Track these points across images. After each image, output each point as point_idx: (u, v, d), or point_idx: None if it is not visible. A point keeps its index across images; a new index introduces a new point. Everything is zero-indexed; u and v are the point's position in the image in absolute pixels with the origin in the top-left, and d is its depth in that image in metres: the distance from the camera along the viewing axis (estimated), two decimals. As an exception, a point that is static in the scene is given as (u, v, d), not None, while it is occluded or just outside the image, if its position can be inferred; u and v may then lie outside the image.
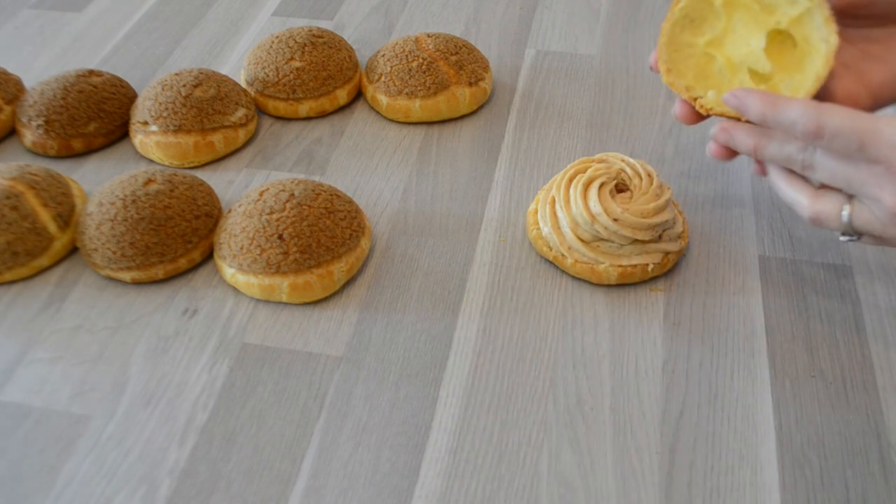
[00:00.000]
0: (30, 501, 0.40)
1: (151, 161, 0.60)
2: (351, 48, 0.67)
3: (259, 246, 0.48)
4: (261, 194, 0.50)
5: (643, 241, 0.49)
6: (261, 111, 0.65)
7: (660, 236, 0.49)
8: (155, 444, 0.42)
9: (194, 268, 0.52)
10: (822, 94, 0.42)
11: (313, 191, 0.50)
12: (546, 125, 0.63)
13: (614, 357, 0.46)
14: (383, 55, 0.64)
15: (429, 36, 0.64)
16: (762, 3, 0.44)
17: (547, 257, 0.51)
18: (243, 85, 0.65)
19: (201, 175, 0.59)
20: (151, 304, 0.50)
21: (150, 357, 0.47)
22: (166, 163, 0.59)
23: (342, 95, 0.64)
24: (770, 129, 0.41)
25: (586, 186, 0.49)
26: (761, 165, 0.44)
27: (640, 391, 0.45)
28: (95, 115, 0.60)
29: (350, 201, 0.52)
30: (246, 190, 0.58)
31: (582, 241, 0.49)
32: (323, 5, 0.79)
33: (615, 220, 0.48)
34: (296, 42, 0.64)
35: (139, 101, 0.60)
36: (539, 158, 0.60)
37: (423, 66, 0.62)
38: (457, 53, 0.63)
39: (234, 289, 0.50)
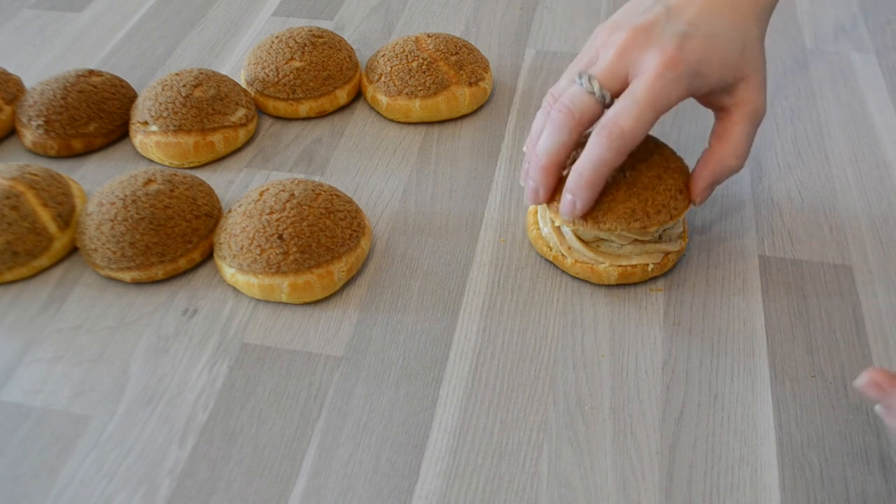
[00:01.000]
0: (30, 501, 0.40)
1: (151, 161, 0.60)
2: (351, 48, 0.67)
3: (259, 246, 0.48)
4: (261, 194, 0.50)
5: (643, 241, 0.49)
6: (261, 111, 0.65)
7: (660, 236, 0.49)
8: (155, 444, 0.42)
9: (194, 268, 0.52)
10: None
11: (313, 191, 0.50)
12: (546, 125, 0.63)
13: (614, 357, 0.46)
14: (383, 55, 0.64)
15: (429, 36, 0.64)
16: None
17: (547, 257, 0.51)
18: (243, 85, 0.65)
19: (201, 175, 0.59)
20: (151, 304, 0.50)
21: (150, 357, 0.47)
22: (166, 163, 0.59)
23: (342, 95, 0.64)
24: None
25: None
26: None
27: (640, 391, 0.45)
28: (95, 115, 0.60)
29: (350, 201, 0.52)
30: (246, 190, 0.58)
31: (582, 241, 0.49)
32: (323, 5, 0.79)
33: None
34: (296, 42, 0.64)
35: (139, 101, 0.60)
36: (539, 158, 0.60)
37: (423, 66, 0.62)
38: (457, 53, 0.63)
39: (234, 289, 0.50)
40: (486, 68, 0.65)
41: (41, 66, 0.71)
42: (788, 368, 0.46)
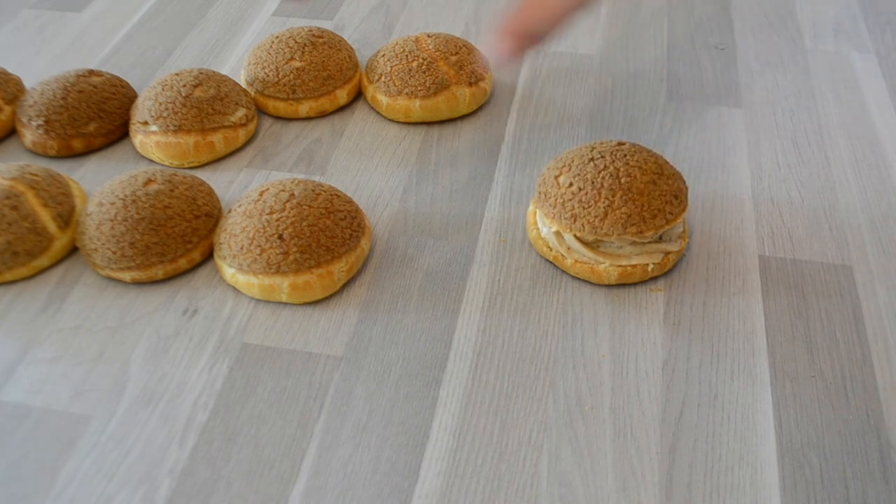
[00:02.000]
0: (30, 501, 0.40)
1: (151, 161, 0.60)
2: (351, 48, 0.67)
3: (259, 246, 0.48)
4: (261, 194, 0.50)
5: (643, 242, 0.49)
6: (261, 111, 0.65)
7: (660, 237, 0.49)
8: (155, 444, 0.42)
9: (194, 268, 0.52)
10: None
11: (313, 191, 0.50)
12: (546, 125, 0.63)
13: (614, 357, 0.46)
14: (383, 55, 0.64)
15: (429, 36, 0.64)
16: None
17: (547, 257, 0.51)
18: (243, 85, 0.65)
19: (201, 175, 0.59)
20: (151, 304, 0.50)
21: (150, 357, 0.47)
22: (166, 163, 0.59)
23: (342, 95, 0.64)
24: None
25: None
26: None
27: (640, 391, 0.45)
28: (95, 115, 0.60)
29: (350, 201, 0.52)
30: (246, 190, 0.58)
31: (582, 241, 0.49)
32: (323, 5, 0.79)
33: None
34: (296, 42, 0.64)
35: (139, 101, 0.60)
36: (539, 158, 0.60)
37: (423, 66, 0.62)
38: (457, 53, 0.63)
39: (234, 289, 0.50)
40: (486, 68, 0.65)
41: (41, 66, 0.71)
42: (788, 368, 0.46)
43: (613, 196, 0.47)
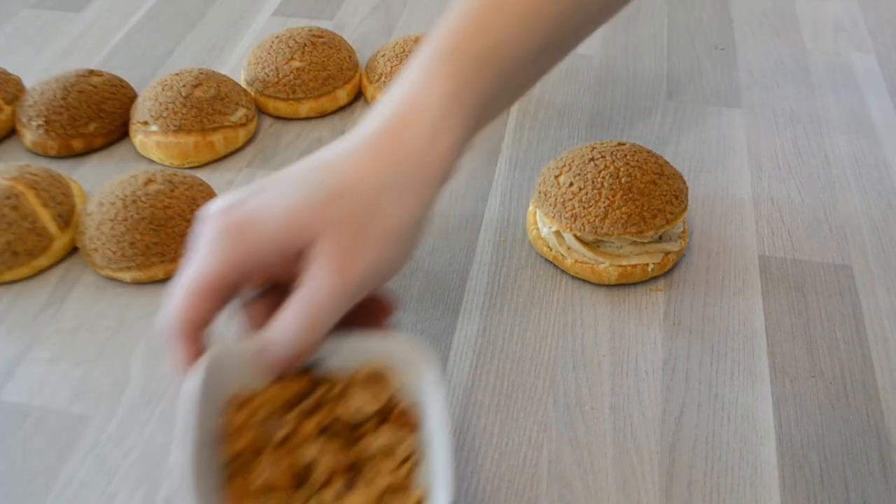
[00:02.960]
0: (30, 501, 0.40)
1: (151, 161, 0.60)
2: (351, 48, 0.67)
3: (259, 246, 0.48)
4: (261, 194, 0.50)
5: (643, 241, 0.49)
6: (261, 111, 0.65)
7: (660, 237, 0.49)
8: (155, 444, 0.42)
9: (194, 268, 0.52)
10: None
11: (313, 191, 0.50)
12: (546, 125, 0.63)
13: (614, 357, 0.46)
14: (383, 55, 0.64)
15: (429, 36, 0.64)
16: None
17: (547, 257, 0.51)
18: (243, 85, 0.65)
19: (201, 175, 0.59)
20: (151, 304, 0.50)
21: (150, 357, 0.47)
22: (166, 163, 0.59)
23: (342, 95, 0.64)
24: None
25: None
26: None
27: (640, 391, 0.45)
28: (95, 115, 0.60)
29: (350, 201, 0.52)
30: (246, 190, 0.58)
31: (582, 241, 0.49)
32: (323, 5, 0.79)
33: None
34: (296, 42, 0.64)
35: (139, 101, 0.60)
36: (539, 158, 0.60)
37: (423, 66, 0.62)
38: (457, 53, 0.63)
39: (234, 289, 0.50)
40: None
41: (41, 66, 0.71)
42: (788, 368, 0.46)
43: (614, 196, 0.47)
